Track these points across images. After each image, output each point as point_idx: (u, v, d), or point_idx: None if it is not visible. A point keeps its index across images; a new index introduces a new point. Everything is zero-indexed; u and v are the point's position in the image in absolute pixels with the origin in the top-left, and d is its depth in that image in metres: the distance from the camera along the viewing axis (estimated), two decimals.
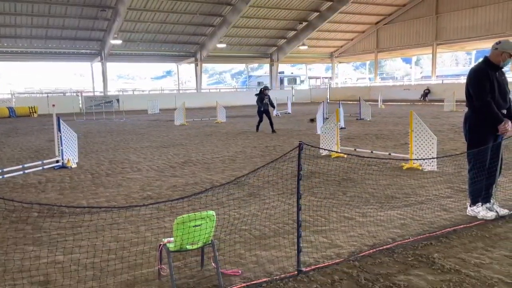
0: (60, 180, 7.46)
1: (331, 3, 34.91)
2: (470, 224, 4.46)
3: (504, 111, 4.63)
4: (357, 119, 18.65)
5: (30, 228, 4.71)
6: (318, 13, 36.69)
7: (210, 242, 3.30)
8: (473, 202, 4.78)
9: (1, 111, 27.47)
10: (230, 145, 11.50)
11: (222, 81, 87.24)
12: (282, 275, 3.38)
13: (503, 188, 5.64)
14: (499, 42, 4.64)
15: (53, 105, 9.56)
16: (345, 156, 8.60)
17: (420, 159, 7.45)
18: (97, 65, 37.14)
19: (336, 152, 8.88)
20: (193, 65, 41.31)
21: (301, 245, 3.45)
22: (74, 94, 37.67)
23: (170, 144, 12.17)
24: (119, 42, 32.70)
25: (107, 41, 33.52)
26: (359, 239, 4.15)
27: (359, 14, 38.04)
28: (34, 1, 27.74)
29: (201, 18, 34.03)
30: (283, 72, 54.27)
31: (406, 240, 4.06)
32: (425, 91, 35.17)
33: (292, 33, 39.99)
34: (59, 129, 8.56)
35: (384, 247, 3.90)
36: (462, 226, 4.42)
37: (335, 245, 4.03)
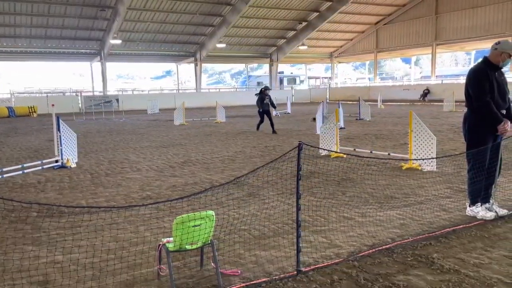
0: (59, 180, 7.46)
1: (331, 3, 34.92)
2: (470, 224, 4.46)
3: (504, 111, 4.64)
4: (356, 119, 18.66)
5: (29, 228, 4.71)
6: (317, 13, 36.70)
7: (209, 242, 3.30)
8: (473, 202, 4.79)
9: (1, 110, 27.45)
10: (229, 145, 11.50)
11: (222, 81, 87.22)
12: (282, 275, 3.38)
13: (503, 188, 5.64)
14: (499, 42, 4.64)
15: (53, 105, 9.55)
16: (345, 156, 8.60)
17: (419, 159, 7.45)
18: (96, 65, 37.13)
19: (336, 152, 8.89)
20: (192, 65, 41.31)
21: (300, 245, 3.45)
22: (74, 94, 37.64)
23: (169, 144, 12.16)
24: (118, 42, 32.70)
25: (107, 41, 33.51)
26: (359, 239, 4.15)
27: (358, 14, 38.05)
28: (33, 1, 27.72)
29: (200, 18, 34.02)
30: (282, 72, 54.26)
31: (406, 240, 4.06)
32: (425, 91, 35.19)
33: (291, 33, 39.99)
34: (58, 129, 8.56)
35: (384, 247, 3.90)
36: (461, 226, 4.42)
37: (334, 245, 4.03)
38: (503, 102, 4.62)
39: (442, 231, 4.29)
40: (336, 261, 3.62)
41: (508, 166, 7.01)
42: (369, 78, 51.55)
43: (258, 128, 14.88)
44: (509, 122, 4.62)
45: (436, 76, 38.93)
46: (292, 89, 45.31)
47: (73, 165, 8.71)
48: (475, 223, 4.52)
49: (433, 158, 7.21)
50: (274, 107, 15.28)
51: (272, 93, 15.02)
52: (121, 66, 72.72)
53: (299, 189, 3.41)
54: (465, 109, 4.83)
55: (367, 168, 7.51)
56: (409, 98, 35.35)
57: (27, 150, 11.37)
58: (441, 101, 25.38)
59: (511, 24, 30.64)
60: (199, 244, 3.27)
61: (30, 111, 28.85)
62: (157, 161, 9.17)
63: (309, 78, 58.45)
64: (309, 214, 4.90)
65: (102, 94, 35.47)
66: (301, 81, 56.57)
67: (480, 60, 4.80)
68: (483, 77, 4.53)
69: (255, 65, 64.73)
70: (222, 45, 37.11)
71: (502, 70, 4.74)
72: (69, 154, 8.79)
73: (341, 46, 45.06)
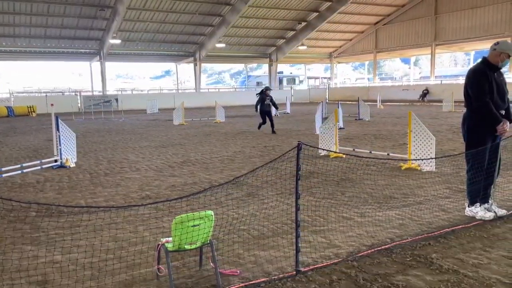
0: (58, 179, 7.45)
1: (330, 3, 34.93)
2: (468, 225, 4.47)
3: (503, 112, 4.64)
4: (355, 119, 18.67)
5: (28, 228, 4.71)
6: (317, 13, 36.70)
7: (208, 242, 3.29)
8: (472, 203, 4.79)
9: (0, 110, 27.43)
10: (229, 145, 11.50)
11: (221, 81, 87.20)
12: (281, 275, 3.38)
13: (501, 189, 5.65)
14: (498, 42, 4.64)
15: (52, 105, 9.54)
16: (344, 156, 8.60)
17: (418, 160, 7.46)
18: (96, 64, 37.10)
19: (335, 152, 8.89)
20: (192, 64, 41.30)
21: (299, 245, 3.45)
22: (73, 93, 37.62)
23: (169, 143, 12.16)
24: (118, 41, 32.68)
25: (106, 41, 33.50)
26: (358, 239, 4.15)
27: (358, 15, 38.06)
28: (33, 1, 27.69)
29: (200, 18, 34.02)
30: (282, 72, 54.25)
31: (405, 240, 4.06)
32: (424, 91, 35.22)
33: (291, 33, 40.00)
34: (57, 129, 8.55)
35: (383, 247, 3.90)
36: (460, 226, 4.43)
37: (333, 245, 4.03)
38: (502, 103, 4.62)
39: (441, 231, 4.30)
40: (335, 261, 3.62)
41: (507, 167, 7.02)
42: (368, 78, 51.59)
43: (259, 127, 14.85)
44: (508, 123, 4.62)
45: (435, 77, 38.95)
46: (291, 89, 45.32)
47: (72, 165, 8.70)
48: (474, 223, 4.52)
49: (432, 159, 7.21)
50: (276, 107, 15.25)
51: (272, 93, 15.01)
52: (120, 66, 72.69)
53: (298, 189, 3.41)
54: (464, 110, 4.84)
55: (366, 168, 7.51)
56: (408, 98, 35.38)
57: (26, 150, 11.36)
58: (440, 101, 25.40)
59: (510, 24, 30.68)
60: (198, 244, 3.27)
61: (29, 110, 28.83)
62: (156, 161, 9.17)
63: (309, 78, 58.48)
64: (308, 214, 4.90)
65: (101, 93, 35.44)
66: (301, 81, 56.58)
67: (479, 60, 4.81)
68: (482, 77, 4.53)
69: (255, 65, 64.75)
70: (222, 45, 37.11)
71: (501, 70, 4.75)
72: (68, 154, 8.78)
73: (340, 46, 45.08)
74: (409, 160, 7.62)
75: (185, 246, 3.20)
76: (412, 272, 3.40)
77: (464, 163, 4.96)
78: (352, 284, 3.23)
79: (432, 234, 4.22)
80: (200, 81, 41.76)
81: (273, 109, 15.50)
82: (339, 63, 51.13)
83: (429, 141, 7.39)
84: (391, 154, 9.01)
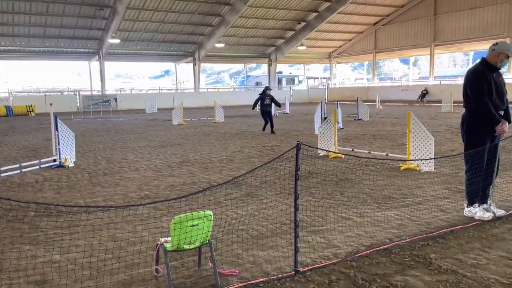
0: (57, 179, 7.45)
1: (330, 3, 34.95)
2: (467, 225, 4.47)
3: (501, 112, 4.65)
4: (355, 119, 18.68)
5: (27, 227, 4.70)
6: (316, 13, 36.73)
7: (207, 242, 3.29)
8: (470, 203, 4.79)
9: None
10: (228, 145, 11.50)
11: (220, 81, 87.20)
12: (279, 275, 3.38)
13: (500, 189, 5.65)
14: (496, 43, 4.65)
15: (51, 104, 9.53)
16: (343, 156, 8.61)
17: (417, 160, 7.46)
18: (95, 64, 37.08)
19: (334, 152, 8.89)
20: (191, 64, 41.30)
21: (298, 245, 3.45)
22: (72, 93, 37.59)
23: (168, 143, 12.15)
24: (117, 41, 32.66)
25: (105, 40, 33.48)
26: (357, 239, 4.15)
27: (357, 15, 38.09)
28: (32, 0, 27.66)
29: (199, 18, 34.01)
30: (281, 72, 54.27)
31: (403, 241, 4.07)
32: (423, 92, 35.26)
33: (290, 33, 40.02)
34: (56, 128, 8.54)
35: (381, 247, 3.90)
36: (459, 226, 4.43)
37: (332, 245, 4.03)
38: (501, 103, 4.63)
39: (440, 231, 4.30)
40: (334, 261, 3.62)
41: (506, 167, 7.03)
42: (367, 79, 51.62)
43: (264, 129, 14.61)
44: (506, 123, 4.63)
45: (434, 77, 39.01)
46: (290, 89, 45.33)
47: (71, 165, 8.69)
48: (473, 223, 4.52)
49: (431, 159, 7.22)
50: (279, 105, 15.19)
51: (271, 93, 14.99)
52: (119, 66, 72.63)
53: (297, 189, 3.41)
54: (463, 110, 4.84)
55: (365, 169, 7.51)
56: (407, 98, 35.43)
57: (25, 149, 11.35)
58: (439, 101, 25.44)
59: (509, 25, 30.73)
60: (197, 244, 3.27)
61: (28, 110, 28.79)
62: (155, 161, 9.16)
63: (308, 78, 58.51)
64: (307, 214, 4.90)
65: (100, 93, 35.42)
66: (300, 81, 56.60)
67: (478, 61, 4.82)
68: (481, 78, 4.54)
69: (254, 65, 64.72)
70: (221, 45, 37.11)
71: (500, 71, 4.76)
72: (67, 154, 8.77)
73: (339, 47, 45.10)
74: (408, 160, 7.63)
75: (184, 246, 3.20)
76: (410, 272, 3.41)
77: (463, 163, 4.96)
78: (351, 284, 3.23)
79: (431, 234, 4.23)
80: (199, 81, 41.76)
81: (273, 109, 15.48)
82: (338, 63, 51.17)
83: (428, 141, 7.40)
84: (390, 154, 9.01)
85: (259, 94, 14.76)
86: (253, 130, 15.04)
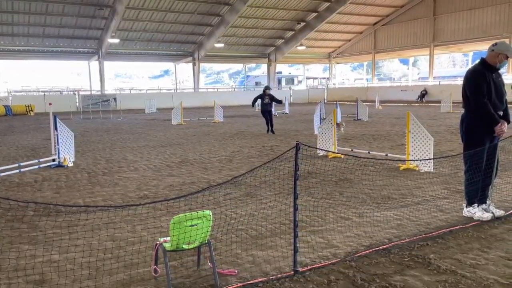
0: (56, 179, 7.44)
1: (329, 3, 34.98)
2: (466, 225, 4.47)
3: (501, 113, 4.65)
4: (354, 119, 18.69)
5: (26, 227, 4.69)
6: (316, 13, 36.75)
7: (206, 241, 3.29)
8: (469, 203, 4.80)
9: None
10: (227, 145, 11.50)
11: (220, 81, 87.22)
12: (279, 275, 3.38)
13: (499, 190, 5.66)
14: (496, 43, 4.66)
15: (50, 104, 9.53)
16: (342, 156, 8.61)
17: (416, 160, 7.47)
18: (94, 63, 37.06)
19: (333, 152, 8.90)
20: (190, 64, 41.31)
21: (297, 245, 3.45)
22: (71, 93, 37.57)
23: (167, 143, 12.15)
24: (116, 41, 32.65)
25: (105, 40, 33.46)
26: (356, 239, 4.15)
27: (357, 15, 38.12)
28: None
29: (199, 18, 34.01)
30: (280, 72, 54.30)
31: (403, 241, 4.07)
32: (422, 92, 35.29)
33: (290, 33, 40.03)
34: (55, 128, 8.54)
35: (381, 247, 3.90)
36: (458, 227, 4.43)
37: (331, 245, 4.03)
38: (500, 103, 4.63)
39: (439, 231, 4.30)
40: (333, 261, 3.62)
41: (505, 167, 7.04)
42: (367, 79, 51.65)
43: (268, 130, 14.25)
44: (506, 123, 4.63)
45: (434, 77, 39.04)
46: (290, 89, 45.35)
47: (70, 164, 8.69)
48: (472, 224, 4.53)
49: (431, 159, 7.22)
50: (280, 102, 15.11)
51: (271, 93, 14.97)
52: (119, 65, 72.59)
53: (297, 189, 3.41)
54: (463, 110, 4.85)
55: (364, 169, 7.51)
56: (407, 99, 35.46)
57: (24, 149, 11.34)
58: (439, 102, 25.47)
59: (508, 25, 30.77)
60: (196, 244, 3.27)
61: (28, 109, 28.77)
62: (155, 161, 9.16)
63: (307, 78, 58.52)
64: (306, 214, 4.90)
65: (99, 93, 35.41)
66: (299, 82, 56.63)
67: (477, 61, 4.82)
68: (480, 78, 4.54)
69: (253, 65, 64.75)
70: (220, 45, 37.11)
71: (499, 71, 4.76)
72: (66, 153, 8.76)
73: (339, 47, 45.12)
74: (407, 160, 7.63)
75: (183, 246, 3.19)
76: (410, 272, 3.41)
77: (462, 163, 4.97)
78: (350, 284, 3.23)
79: (430, 234, 4.23)
80: (198, 81, 41.77)
81: (273, 110, 15.43)
82: (337, 63, 51.22)
83: (427, 141, 7.40)
84: (389, 154, 9.01)
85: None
86: (252, 130, 15.03)
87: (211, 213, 3.24)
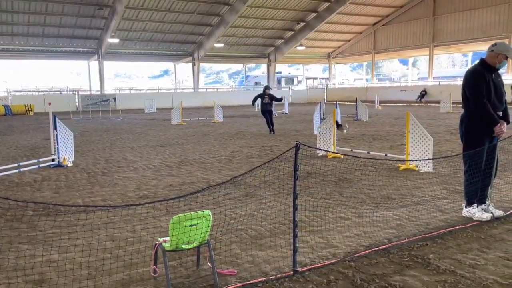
0: (55, 178, 7.44)
1: (329, 3, 34.98)
2: (466, 225, 4.48)
3: (500, 113, 4.65)
4: (354, 119, 18.69)
5: (25, 227, 4.69)
6: (315, 13, 36.75)
7: (206, 241, 3.29)
8: (469, 203, 4.80)
9: None
10: (227, 145, 11.50)
11: (220, 81, 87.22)
12: (278, 275, 3.38)
13: (499, 190, 5.66)
14: (495, 44, 4.66)
15: (49, 104, 9.53)
16: (342, 156, 8.61)
17: (416, 160, 7.47)
18: (94, 63, 37.05)
19: (333, 152, 8.90)
20: (190, 64, 41.29)
21: (297, 245, 3.45)
22: (71, 92, 37.56)
23: (166, 143, 12.15)
24: (116, 40, 32.64)
25: (105, 40, 33.45)
26: (355, 239, 4.15)
27: (356, 15, 38.13)
28: None
29: (198, 18, 34.01)
30: (280, 72, 54.28)
31: (402, 241, 4.07)
32: (422, 92, 35.30)
33: (289, 33, 40.03)
34: (55, 128, 8.53)
35: (380, 247, 3.90)
36: (457, 227, 4.44)
37: (331, 245, 4.03)
38: (500, 104, 4.64)
39: (438, 232, 4.31)
40: (333, 261, 3.63)
41: (504, 168, 7.04)
42: (366, 79, 51.66)
43: (270, 130, 14.21)
44: (505, 124, 4.64)
45: (433, 78, 39.06)
46: (289, 89, 45.33)
47: (70, 164, 8.68)
48: (471, 224, 4.53)
49: (430, 159, 7.23)
50: (280, 100, 15.08)
51: (271, 92, 14.96)
52: (118, 65, 72.65)
53: (296, 189, 3.41)
54: (462, 111, 4.85)
55: (364, 169, 7.52)
56: (406, 99, 35.48)
57: (23, 149, 11.33)
58: (438, 102, 25.48)
59: (507, 26, 30.79)
60: (196, 244, 3.27)
61: (27, 109, 28.75)
62: (154, 161, 9.16)
63: (307, 78, 58.49)
64: (306, 214, 4.90)
65: (99, 93, 35.40)
66: (299, 82, 56.60)
67: (477, 61, 4.82)
68: (480, 78, 4.54)
69: (253, 65, 64.73)
70: (220, 45, 37.10)
71: (499, 71, 4.76)
72: (66, 153, 8.76)
73: (339, 47, 45.13)
74: (406, 160, 7.63)
75: (183, 246, 3.19)
76: (409, 272, 3.41)
77: (462, 164, 4.97)
78: (349, 284, 3.23)
79: (430, 234, 4.23)
80: (198, 81, 41.76)
81: (273, 108, 15.41)
82: (337, 63, 51.22)
83: (426, 142, 7.41)
84: (389, 154, 9.02)
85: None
86: (252, 130, 15.03)
87: (210, 213, 3.24)
